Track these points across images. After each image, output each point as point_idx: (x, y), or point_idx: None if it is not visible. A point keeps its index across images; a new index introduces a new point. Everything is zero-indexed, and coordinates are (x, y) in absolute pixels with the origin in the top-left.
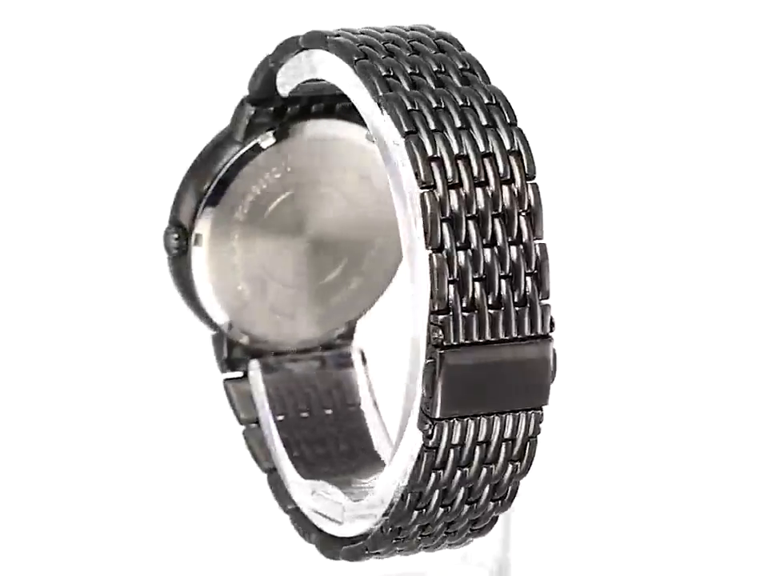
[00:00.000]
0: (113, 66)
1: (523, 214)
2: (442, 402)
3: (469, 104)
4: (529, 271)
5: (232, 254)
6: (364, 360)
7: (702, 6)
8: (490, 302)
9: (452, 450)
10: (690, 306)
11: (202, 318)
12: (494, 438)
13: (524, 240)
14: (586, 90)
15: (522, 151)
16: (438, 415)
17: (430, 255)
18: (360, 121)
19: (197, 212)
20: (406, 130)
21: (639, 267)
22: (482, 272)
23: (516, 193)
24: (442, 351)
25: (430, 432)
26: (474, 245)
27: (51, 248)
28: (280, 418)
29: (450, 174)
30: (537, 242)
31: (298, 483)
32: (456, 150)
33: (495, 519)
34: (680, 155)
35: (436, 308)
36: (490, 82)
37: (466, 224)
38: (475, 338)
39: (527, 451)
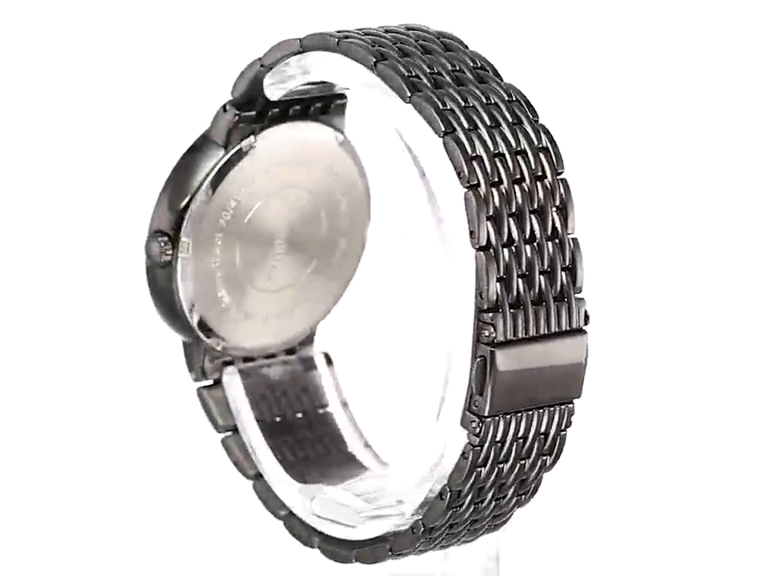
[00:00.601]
0: (101, 68)
1: (555, 209)
2: (492, 400)
3: (493, 102)
4: (564, 266)
5: (214, 260)
6: (329, 362)
7: (703, 8)
8: (531, 297)
9: (493, 447)
10: (699, 300)
11: (179, 327)
12: (531, 433)
13: (558, 235)
14: (579, 89)
15: (550, 147)
16: (487, 413)
17: (477, 254)
18: (332, 122)
19: (182, 219)
20: (443, 129)
21: (644, 264)
22: (524, 268)
23: (548, 188)
24: (494, 349)
25: (477, 430)
26: (516, 241)
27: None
28: (261, 421)
29: (490, 172)
30: (569, 236)
31: (290, 487)
32: (492, 148)
33: (512, 515)
34: (685, 150)
35: (486, 306)
36: (502, 79)
37: (508, 221)
38: (521, 335)
39: (557, 445)
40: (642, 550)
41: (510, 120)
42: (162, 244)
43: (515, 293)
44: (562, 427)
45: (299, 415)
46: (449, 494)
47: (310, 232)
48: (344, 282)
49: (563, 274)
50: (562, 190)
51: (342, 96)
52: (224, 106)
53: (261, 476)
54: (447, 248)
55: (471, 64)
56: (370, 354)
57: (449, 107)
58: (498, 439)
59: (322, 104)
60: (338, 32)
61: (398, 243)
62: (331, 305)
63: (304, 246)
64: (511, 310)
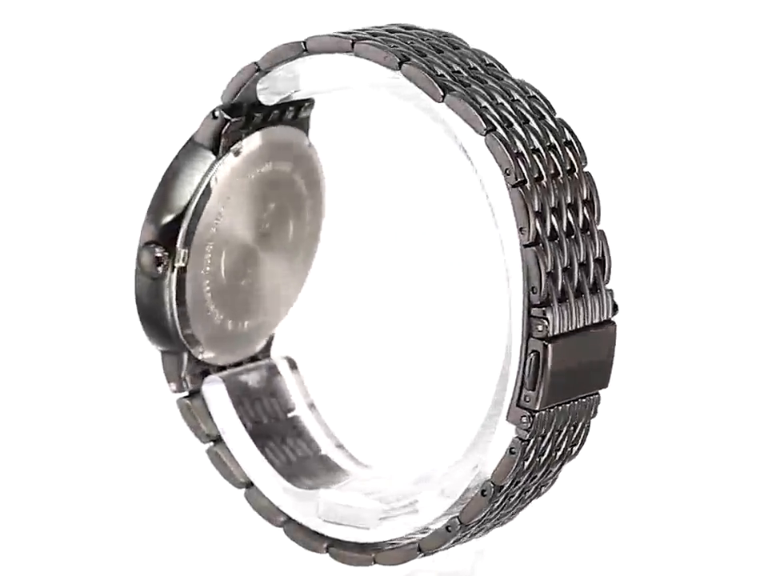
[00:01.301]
0: (93, 72)
1: (583, 202)
2: (543, 394)
3: (515, 98)
4: (595, 258)
5: (205, 269)
6: (293, 366)
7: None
8: (573, 290)
9: (537, 441)
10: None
11: (164, 338)
12: (566, 425)
13: (589, 227)
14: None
15: (574, 141)
16: (538, 407)
17: (527, 250)
18: (303, 126)
19: (178, 228)
20: (485, 127)
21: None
22: (566, 262)
23: (577, 182)
24: (547, 343)
25: (528, 425)
26: (558, 236)
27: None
28: (245, 428)
29: (533, 168)
30: (598, 228)
31: (287, 492)
32: (528, 144)
33: (528, 505)
34: (688, 142)
35: (538, 301)
36: (512, 75)
37: (550, 216)
38: (567, 328)
39: (583, 435)
40: (640, 549)
41: (535, 116)
42: (158, 255)
43: (560, 287)
44: (591, 416)
45: (273, 420)
46: (492, 488)
47: (282, 236)
48: (302, 285)
49: (595, 265)
50: (588, 183)
51: (310, 101)
52: (213, 112)
53: (252, 484)
54: (492, 246)
55: (480, 61)
56: (339, 355)
57: (482, 105)
58: (542, 433)
59: (295, 108)
60: (345, 33)
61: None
62: (286, 312)
63: (276, 252)
64: (560, 304)
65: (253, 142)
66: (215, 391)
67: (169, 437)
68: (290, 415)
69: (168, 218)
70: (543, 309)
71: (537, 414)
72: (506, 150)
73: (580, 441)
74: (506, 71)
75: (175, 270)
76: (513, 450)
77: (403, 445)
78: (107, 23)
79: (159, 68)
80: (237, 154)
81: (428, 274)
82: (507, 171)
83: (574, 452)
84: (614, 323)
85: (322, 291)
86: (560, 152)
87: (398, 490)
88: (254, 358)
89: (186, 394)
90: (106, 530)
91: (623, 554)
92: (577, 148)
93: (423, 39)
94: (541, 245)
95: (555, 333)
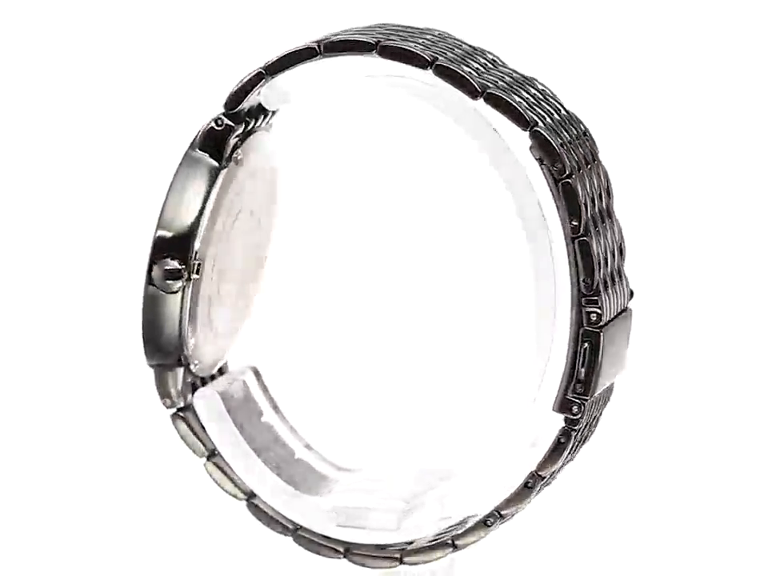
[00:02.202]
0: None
1: (603, 190)
2: (596, 382)
3: (533, 93)
4: (618, 244)
5: (209, 279)
6: (257, 375)
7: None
8: (610, 278)
9: (582, 429)
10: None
11: (165, 353)
12: (598, 411)
13: (612, 215)
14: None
15: (588, 132)
16: (591, 395)
17: (580, 240)
18: (274, 132)
19: (193, 240)
20: (530, 123)
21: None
22: (603, 250)
23: (598, 171)
24: (600, 331)
25: (579, 414)
26: (597, 225)
27: None
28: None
29: (573, 160)
30: (615, 215)
31: (295, 499)
32: (562, 138)
33: None
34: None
35: (590, 291)
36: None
37: (589, 207)
38: (610, 316)
39: (598, 421)
40: (639, 549)
41: (553, 109)
42: (172, 268)
43: (601, 275)
44: (607, 403)
45: (255, 427)
46: (536, 480)
47: (255, 247)
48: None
49: (617, 251)
50: (604, 171)
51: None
52: (217, 120)
53: (254, 495)
54: (543, 239)
55: (486, 58)
56: (301, 361)
57: (518, 100)
58: (586, 421)
59: (272, 114)
60: (361, 33)
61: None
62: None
63: (250, 258)
64: (605, 293)
65: (245, 150)
66: (210, 403)
67: (163, 450)
68: (263, 420)
69: (180, 231)
70: (595, 298)
71: (587, 402)
72: (553, 144)
73: (595, 428)
74: (511, 67)
75: (190, 282)
76: (561, 440)
77: (405, 445)
78: (100, 28)
79: (153, 73)
80: (237, 162)
81: (454, 272)
82: (556, 164)
83: (589, 438)
84: (630, 309)
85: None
86: (583, 144)
87: (409, 489)
88: (222, 370)
89: (180, 407)
90: (112, 547)
91: (623, 553)
92: (592, 138)
93: (428, 36)
94: (590, 235)
95: (606, 321)
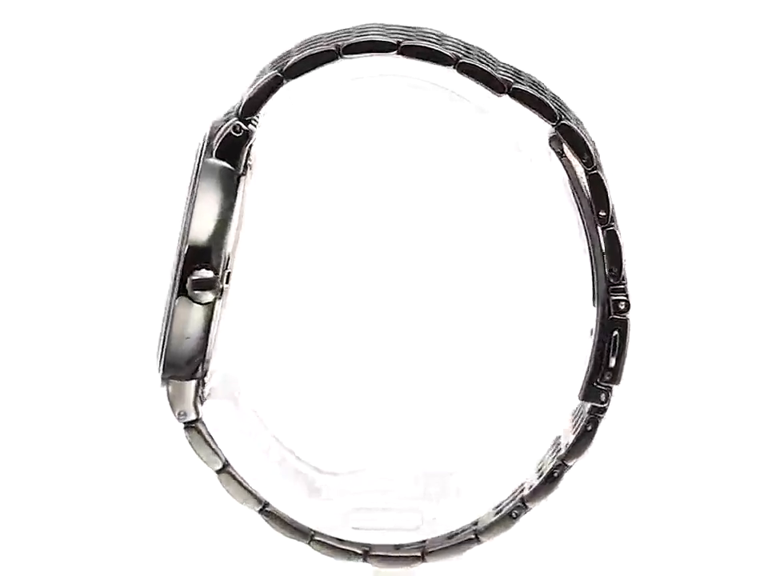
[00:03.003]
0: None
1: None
2: (623, 368)
3: (540, 88)
4: None
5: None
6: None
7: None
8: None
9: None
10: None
11: (190, 367)
12: None
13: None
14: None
15: (581, 121)
16: (619, 381)
17: (609, 231)
18: None
19: (223, 249)
20: (557, 116)
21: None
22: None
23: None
24: (627, 318)
25: (606, 401)
26: (615, 218)
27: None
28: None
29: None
30: None
31: (310, 504)
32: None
33: None
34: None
35: (617, 280)
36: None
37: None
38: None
39: None
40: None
41: (553, 99)
42: (207, 278)
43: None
44: None
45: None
46: (563, 470)
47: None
48: None
49: None
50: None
51: None
52: (236, 126)
53: (268, 504)
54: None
55: (482, 53)
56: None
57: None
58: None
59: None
60: (381, 33)
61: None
62: None
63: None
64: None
65: (256, 155)
66: (222, 414)
67: (169, 461)
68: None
69: (213, 240)
70: (623, 286)
71: (614, 389)
72: (582, 137)
73: None
74: (503, 62)
75: (221, 292)
76: (588, 428)
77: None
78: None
79: (145, 75)
80: (250, 168)
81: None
82: (583, 157)
83: None
84: None
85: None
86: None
87: (422, 487)
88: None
89: (192, 419)
90: (123, 556)
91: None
92: (585, 127)
93: (434, 35)
94: (616, 224)
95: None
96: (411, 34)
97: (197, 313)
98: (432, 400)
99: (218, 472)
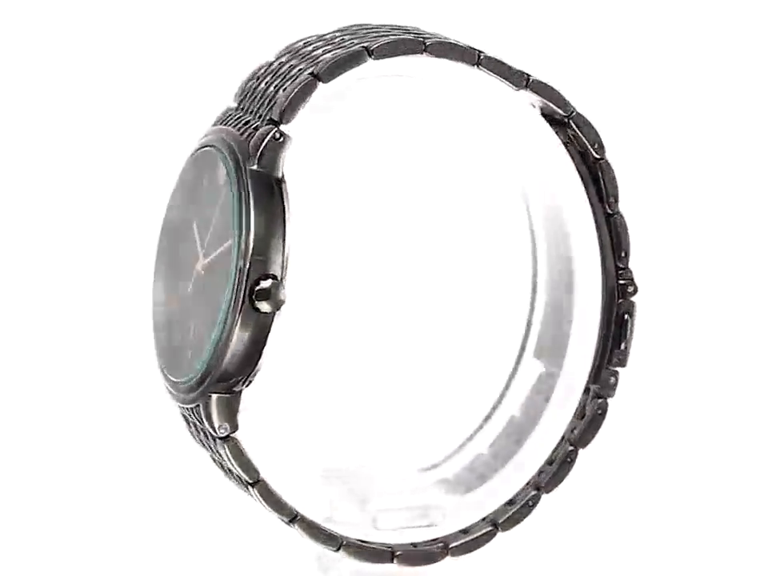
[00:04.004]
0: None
1: None
2: (629, 350)
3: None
4: None
5: None
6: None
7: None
8: None
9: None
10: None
11: (238, 373)
12: None
13: None
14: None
15: None
16: (626, 363)
17: (616, 218)
18: None
19: (284, 260)
20: (571, 107)
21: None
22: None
23: None
24: (634, 302)
25: (615, 384)
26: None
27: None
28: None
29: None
30: None
31: (338, 512)
32: None
33: None
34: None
35: (625, 265)
36: None
37: None
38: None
39: None
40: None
41: None
42: (274, 288)
43: None
44: None
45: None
46: (576, 455)
47: None
48: None
49: None
50: None
51: None
52: (275, 133)
53: (298, 515)
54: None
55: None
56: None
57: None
58: None
59: None
60: (406, 33)
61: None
62: None
63: None
64: None
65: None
66: (256, 426)
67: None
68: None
69: (276, 249)
70: (629, 269)
71: (621, 372)
72: (593, 126)
73: None
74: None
75: (283, 302)
76: (599, 411)
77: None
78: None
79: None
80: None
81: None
82: (595, 144)
83: None
84: None
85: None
86: None
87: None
88: None
89: (225, 434)
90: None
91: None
92: None
93: (425, 33)
94: (622, 212)
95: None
96: (409, 31)
97: (258, 324)
98: (438, 393)
99: (253, 484)
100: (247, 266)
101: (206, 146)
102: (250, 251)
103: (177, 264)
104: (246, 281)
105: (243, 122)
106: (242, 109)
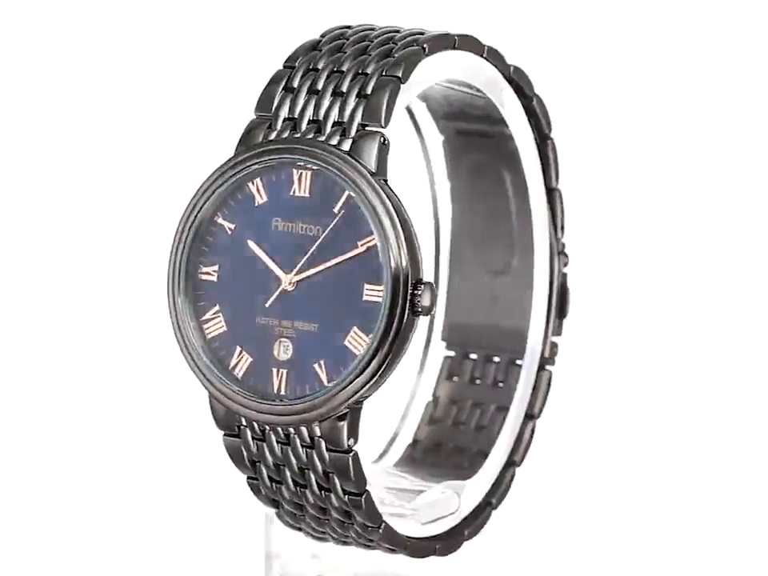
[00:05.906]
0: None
1: None
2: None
3: None
4: None
5: None
6: None
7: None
8: None
9: None
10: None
11: None
12: None
13: None
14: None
15: None
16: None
17: (555, 192)
18: None
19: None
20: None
21: None
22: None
23: None
24: (567, 273)
25: (557, 353)
26: None
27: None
28: None
29: None
30: None
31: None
32: None
33: None
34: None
35: (562, 237)
36: None
37: None
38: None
39: None
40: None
41: None
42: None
43: None
44: None
45: None
46: (534, 422)
47: None
48: None
49: None
50: None
51: None
52: (384, 138)
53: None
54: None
55: None
56: None
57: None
58: None
59: None
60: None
61: None
62: None
63: None
64: None
65: None
66: None
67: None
68: None
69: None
70: (564, 242)
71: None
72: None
73: None
74: None
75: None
76: (550, 382)
77: None
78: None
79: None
80: None
81: None
82: (549, 124)
83: None
84: None
85: None
86: None
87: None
88: None
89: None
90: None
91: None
92: None
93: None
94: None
95: None
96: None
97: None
98: None
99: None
100: (412, 279)
101: None
102: (407, 262)
103: None
104: (412, 291)
105: None
106: None
